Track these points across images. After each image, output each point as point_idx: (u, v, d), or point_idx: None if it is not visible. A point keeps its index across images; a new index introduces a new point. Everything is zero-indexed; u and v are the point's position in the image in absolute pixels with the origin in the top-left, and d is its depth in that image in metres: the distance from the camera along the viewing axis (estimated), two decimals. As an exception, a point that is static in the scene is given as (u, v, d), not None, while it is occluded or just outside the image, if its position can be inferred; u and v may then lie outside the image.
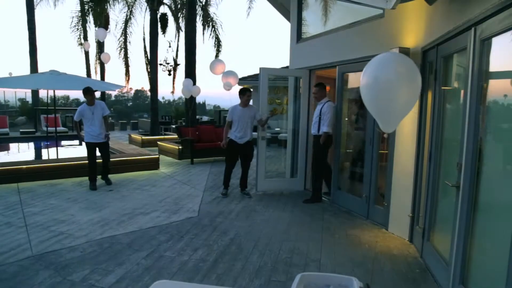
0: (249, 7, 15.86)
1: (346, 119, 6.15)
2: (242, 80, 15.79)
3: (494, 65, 2.60)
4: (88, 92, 6.63)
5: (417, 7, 4.19)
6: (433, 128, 3.79)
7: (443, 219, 3.60)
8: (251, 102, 6.54)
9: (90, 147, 6.84)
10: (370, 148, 5.12)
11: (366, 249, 4.19)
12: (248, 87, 17.85)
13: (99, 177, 7.13)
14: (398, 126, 4.53)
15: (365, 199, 5.25)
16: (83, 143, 6.92)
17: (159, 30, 15.37)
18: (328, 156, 6.11)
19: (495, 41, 2.52)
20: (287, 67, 8.17)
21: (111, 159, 7.76)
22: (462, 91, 3.07)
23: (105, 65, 19.55)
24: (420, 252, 3.99)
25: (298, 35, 7.13)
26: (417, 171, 4.24)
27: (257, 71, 6.52)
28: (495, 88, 2.64)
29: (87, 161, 6.86)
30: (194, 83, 11.25)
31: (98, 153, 7.00)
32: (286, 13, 9.03)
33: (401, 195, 4.55)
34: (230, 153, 6.48)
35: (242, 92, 6.32)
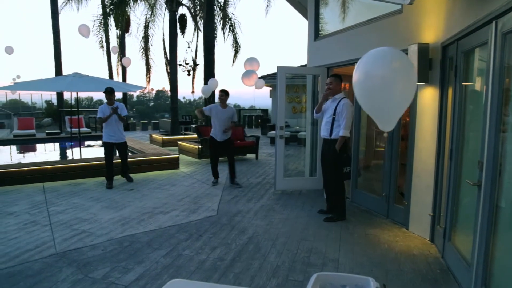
0: (267, 5, 15.86)
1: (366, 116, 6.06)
2: (260, 79, 15.79)
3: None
4: (106, 92, 7.00)
5: (436, 1, 4.09)
6: (453, 125, 3.69)
7: (465, 218, 3.50)
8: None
9: (107, 147, 7.06)
10: (390, 146, 5.03)
11: (385, 248, 4.13)
12: (267, 85, 17.90)
13: (118, 176, 7.37)
14: (418, 122, 4.48)
15: (385, 198, 5.16)
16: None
17: (178, 31, 15.54)
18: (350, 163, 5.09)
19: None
20: (305, 65, 8.12)
21: (132, 159, 7.96)
22: (483, 87, 2.98)
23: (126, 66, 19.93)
24: (441, 252, 3.90)
25: (315, 33, 7.08)
26: (438, 169, 4.14)
27: (276, 70, 6.51)
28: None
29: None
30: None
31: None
32: (303, 11, 8.99)
33: (421, 194, 4.46)
34: (211, 150, 7.23)
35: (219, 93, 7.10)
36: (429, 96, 4.31)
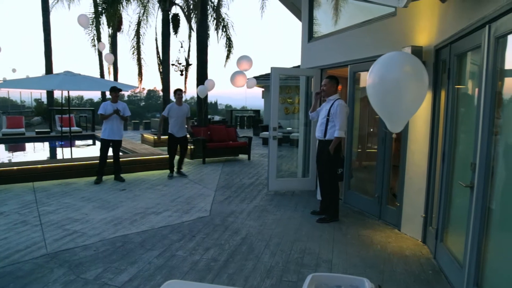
0: (262, 6, 15.86)
1: (359, 117, 6.10)
2: (251, 78, 15.82)
3: (510, 63, 2.55)
4: (112, 90, 7.28)
5: (430, 5, 4.13)
6: (446, 127, 3.73)
7: (457, 219, 3.54)
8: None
9: (103, 143, 7.23)
10: (382, 148, 5.07)
11: (378, 249, 4.15)
12: (260, 86, 17.91)
13: (111, 176, 7.45)
14: (411, 124, 4.52)
15: (377, 199, 5.20)
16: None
17: (171, 30, 15.47)
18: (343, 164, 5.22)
19: (511, 38, 2.47)
20: (298, 66, 8.14)
21: (124, 159, 7.94)
22: (476, 90, 3.02)
23: (118, 65, 19.81)
24: (433, 253, 3.94)
25: (309, 34, 7.10)
26: (430, 171, 4.19)
27: (269, 71, 6.52)
28: (511, 86, 2.59)
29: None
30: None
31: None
32: (297, 13, 9.02)
33: (413, 195, 4.50)
34: (170, 145, 7.78)
35: (174, 92, 7.86)
36: (422, 99, 4.35)
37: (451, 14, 3.65)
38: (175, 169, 7.97)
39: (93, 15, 16.39)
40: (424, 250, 4.15)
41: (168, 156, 7.95)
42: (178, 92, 7.76)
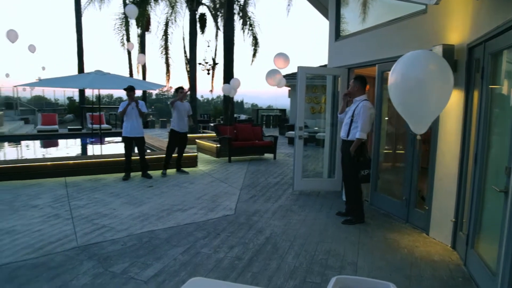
0: (288, 4, 15.81)
1: (386, 118, 5.97)
2: (283, 77, 15.72)
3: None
4: (127, 89, 7.44)
5: (462, 1, 3.99)
6: (479, 129, 3.59)
7: (490, 225, 3.41)
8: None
9: (126, 141, 7.44)
10: (411, 149, 4.94)
11: (405, 253, 4.06)
12: (286, 85, 17.83)
13: (138, 173, 7.63)
14: (441, 124, 4.38)
15: (405, 202, 5.08)
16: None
17: (198, 30, 15.66)
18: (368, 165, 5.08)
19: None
20: (325, 65, 8.05)
21: (151, 156, 8.10)
22: (512, 90, 2.90)
23: (146, 64, 20.20)
24: (463, 260, 3.80)
25: (336, 33, 7.01)
26: (461, 173, 4.05)
27: (295, 70, 6.48)
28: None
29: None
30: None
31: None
32: (324, 11, 8.92)
33: (443, 199, 4.36)
34: (172, 141, 7.99)
35: (176, 90, 8.33)
36: (453, 99, 4.19)
37: (485, 11, 3.51)
38: (167, 168, 7.99)
39: (123, 16, 16.80)
40: (453, 256, 4.01)
41: (166, 154, 7.96)
42: (181, 90, 8.10)
